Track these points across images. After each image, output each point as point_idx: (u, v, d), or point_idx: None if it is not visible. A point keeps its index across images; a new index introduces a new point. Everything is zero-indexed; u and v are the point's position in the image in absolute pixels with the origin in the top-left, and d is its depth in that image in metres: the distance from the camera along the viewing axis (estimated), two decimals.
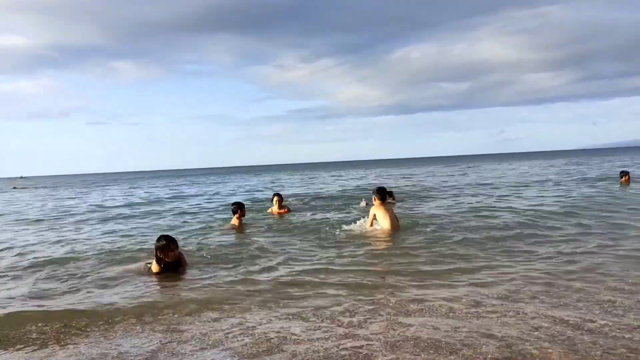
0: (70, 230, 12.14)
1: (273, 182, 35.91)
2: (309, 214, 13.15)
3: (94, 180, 79.41)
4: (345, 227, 9.92)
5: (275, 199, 13.53)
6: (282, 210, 13.31)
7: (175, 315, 4.74)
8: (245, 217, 11.39)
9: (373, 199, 9.58)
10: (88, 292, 5.82)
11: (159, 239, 6.58)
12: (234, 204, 11.48)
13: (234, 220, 11.04)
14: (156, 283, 6.14)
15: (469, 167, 50.39)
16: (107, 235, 10.89)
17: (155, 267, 6.56)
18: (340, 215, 12.42)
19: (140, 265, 7.04)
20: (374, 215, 9.45)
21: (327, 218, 12.02)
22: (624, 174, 17.67)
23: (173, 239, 6.64)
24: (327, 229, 10.04)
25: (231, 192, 26.28)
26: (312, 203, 16.49)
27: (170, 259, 6.54)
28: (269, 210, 13.62)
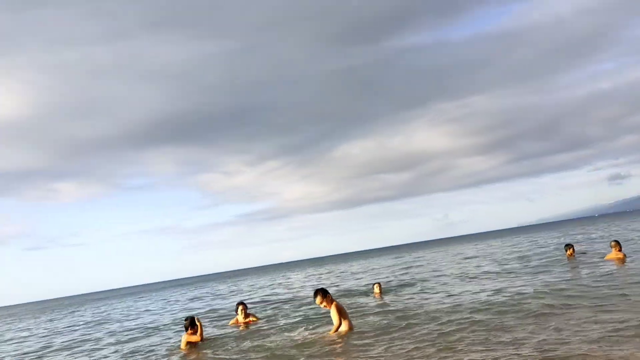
0: None
1: (231, 290, 34.97)
2: (279, 321, 12.72)
3: (42, 307, 74.23)
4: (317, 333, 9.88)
5: (240, 308, 12.89)
6: (248, 320, 12.77)
7: None
8: (204, 331, 10.77)
9: (327, 300, 9.41)
10: None
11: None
12: (186, 318, 10.72)
13: (187, 338, 10.34)
14: None
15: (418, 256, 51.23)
16: None
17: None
18: (307, 321, 12.31)
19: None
20: (337, 315, 9.37)
21: (295, 325, 11.90)
22: (568, 246, 18.56)
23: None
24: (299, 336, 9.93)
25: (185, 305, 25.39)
26: (276, 309, 16.06)
27: None
28: (233, 322, 13.01)
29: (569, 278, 13.33)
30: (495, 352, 6.64)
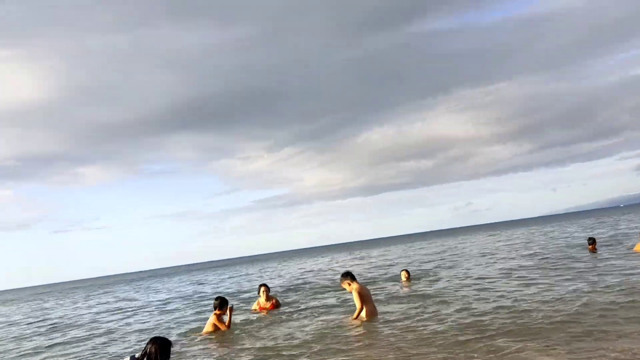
0: None
1: (251, 273, 35.25)
2: (300, 307, 12.72)
3: (72, 287, 75.97)
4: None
5: (262, 289, 12.92)
6: (269, 305, 12.73)
7: None
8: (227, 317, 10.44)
9: (347, 283, 9.41)
10: None
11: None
12: (217, 297, 10.53)
13: (214, 321, 10.24)
14: None
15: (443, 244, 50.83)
16: None
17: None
18: (328, 307, 12.28)
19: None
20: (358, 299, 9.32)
21: (316, 311, 11.87)
22: (591, 241, 18.19)
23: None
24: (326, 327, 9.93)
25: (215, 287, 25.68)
26: (297, 295, 16.06)
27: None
28: (255, 307, 12.97)
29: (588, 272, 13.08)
30: (524, 345, 6.54)
